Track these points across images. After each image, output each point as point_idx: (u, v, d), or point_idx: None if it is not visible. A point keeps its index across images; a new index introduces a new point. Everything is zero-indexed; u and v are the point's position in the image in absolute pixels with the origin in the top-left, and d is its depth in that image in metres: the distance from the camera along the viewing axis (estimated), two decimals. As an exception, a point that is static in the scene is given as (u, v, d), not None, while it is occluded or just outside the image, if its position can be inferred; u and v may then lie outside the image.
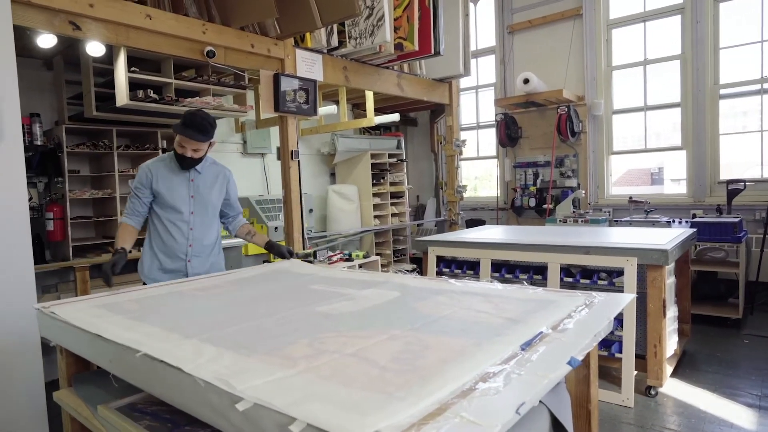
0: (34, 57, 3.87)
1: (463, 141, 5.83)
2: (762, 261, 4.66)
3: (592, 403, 1.60)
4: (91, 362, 1.66)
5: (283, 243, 3.45)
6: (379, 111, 6.01)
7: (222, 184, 2.70)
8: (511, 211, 6.59)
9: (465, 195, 5.96)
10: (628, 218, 4.93)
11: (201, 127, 2.43)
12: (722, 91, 5.28)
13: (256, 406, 0.95)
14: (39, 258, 3.53)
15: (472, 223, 6.31)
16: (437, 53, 4.43)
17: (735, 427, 2.63)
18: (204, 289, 2.14)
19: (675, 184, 5.99)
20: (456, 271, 3.70)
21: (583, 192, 5.71)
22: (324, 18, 3.38)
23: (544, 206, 6.05)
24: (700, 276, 4.77)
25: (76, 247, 3.84)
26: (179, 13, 3.15)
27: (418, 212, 7.52)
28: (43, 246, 3.85)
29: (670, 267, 3.14)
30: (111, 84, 3.55)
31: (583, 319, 1.45)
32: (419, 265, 6.13)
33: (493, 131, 6.74)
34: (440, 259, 3.78)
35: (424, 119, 7.54)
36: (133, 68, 3.40)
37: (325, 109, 5.25)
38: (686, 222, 4.55)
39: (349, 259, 4.09)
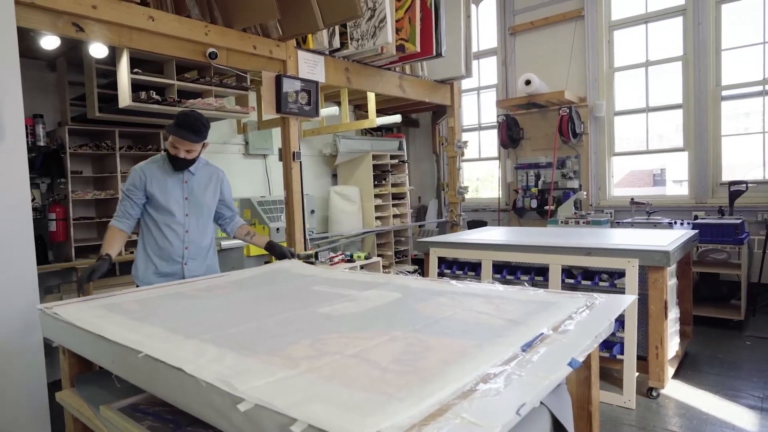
0: (38, 58, 3.88)
1: (465, 142, 5.83)
2: (764, 262, 4.65)
3: (593, 404, 1.60)
4: (94, 363, 1.67)
5: (284, 244, 3.45)
6: (380, 112, 6.02)
7: (216, 185, 2.67)
8: (512, 213, 6.59)
9: (466, 196, 5.97)
10: (629, 220, 4.92)
11: (194, 127, 2.39)
12: (724, 93, 5.28)
13: (258, 406, 0.95)
14: (42, 259, 3.54)
15: (473, 225, 6.31)
16: (439, 55, 4.43)
17: (737, 428, 2.63)
18: (205, 289, 2.14)
19: (677, 185, 5.98)
20: (457, 272, 3.70)
21: (585, 193, 5.71)
22: (326, 19, 3.39)
23: (546, 207, 6.05)
24: (702, 277, 4.77)
25: (79, 248, 3.85)
26: (182, 14, 3.16)
27: (420, 213, 7.52)
28: (46, 247, 3.86)
29: (672, 268, 3.13)
30: (114, 85, 3.56)
31: (584, 320, 1.45)
32: (421, 267, 6.13)
33: (494, 132, 6.74)
34: (442, 261, 3.78)
35: (426, 120, 7.55)
36: (135, 70, 3.41)
37: (327, 111, 5.26)
38: (688, 223, 4.54)
39: (351, 260, 4.10)
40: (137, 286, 2.48)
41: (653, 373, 2.97)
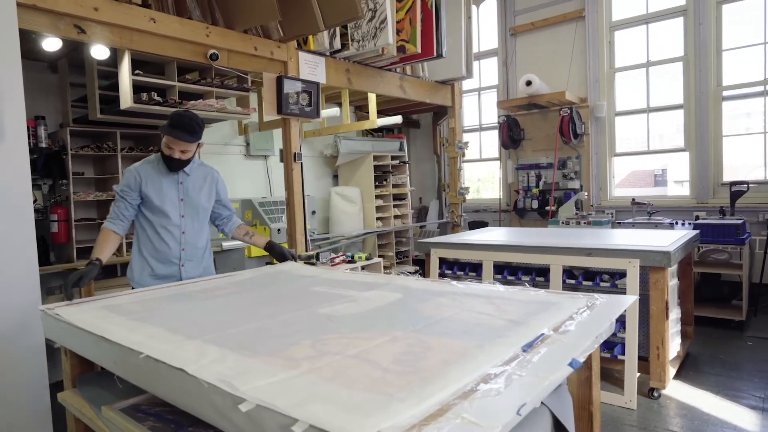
0: (39, 60, 3.89)
1: (466, 143, 5.83)
2: (765, 263, 4.65)
3: (594, 404, 1.60)
4: (96, 363, 1.67)
5: (285, 245, 3.45)
6: (381, 113, 6.02)
7: (211, 185, 2.63)
8: (513, 213, 6.59)
9: (467, 197, 5.97)
10: (630, 220, 4.92)
11: (189, 127, 2.36)
12: (725, 93, 5.27)
13: (259, 407, 0.95)
14: (43, 260, 3.55)
15: (474, 225, 6.31)
16: (440, 55, 4.44)
17: (738, 429, 2.63)
18: (207, 290, 2.15)
19: (678, 185, 5.98)
20: (458, 272, 3.71)
21: (586, 194, 5.71)
22: (327, 21, 3.39)
23: (547, 208, 6.04)
24: (704, 278, 4.76)
25: (81, 249, 3.86)
26: (183, 16, 3.17)
27: (421, 214, 7.52)
28: (48, 248, 3.87)
29: (673, 269, 3.13)
30: (115, 87, 3.57)
31: (585, 320, 1.45)
32: (422, 267, 6.13)
33: (495, 133, 6.74)
34: (443, 261, 3.79)
35: (427, 121, 7.55)
36: (137, 71, 3.42)
37: (328, 112, 5.26)
38: (689, 224, 4.54)
39: (352, 261, 4.11)
40: (132, 288, 2.46)
41: (654, 373, 2.96)
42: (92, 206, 4.26)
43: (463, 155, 5.92)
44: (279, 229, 4.70)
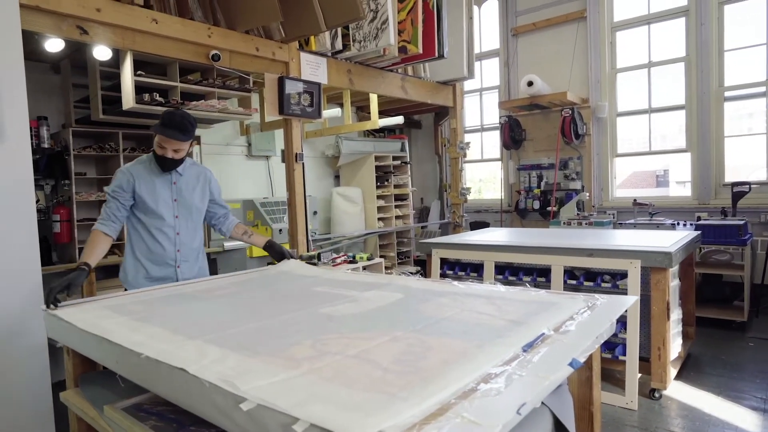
0: (42, 61, 3.90)
1: (467, 143, 5.83)
2: (767, 264, 4.64)
3: (595, 405, 1.60)
4: (98, 363, 1.68)
5: (287, 245, 3.45)
6: (383, 114, 6.02)
7: (204, 185, 2.59)
8: (515, 214, 6.58)
9: (469, 197, 5.97)
10: (632, 221, 4.92)
11: (181, 126, 2.32)
12: (727, 94, 5.27)
13: (260, 406, 0.96)
14: (46, 260, 3.56)
15: (476, 226, 6.31)
16: (441, 56, 4.44)
17: (739, 430, 2.62)
18: (208, 291, 2.15)
19: (680, 186, 5.97)
20: (460, 273, 3.71)
21: (587, 194, 5.70)
22: (328, 21, 3.40)
23: (548, 209, 6.04)
24: (705, 279, 4.76)
25: (83, 249, 3.87)
26: (185, 17, 3.18)
27: (422, 214, 7.53)
28: (50, 248, 3.88)
29: (675, 269, 3.13)
30: (117, 87, 3.58)
31: (585, 321, 1.46)
32: (423, 268, 6.13)
33: (497, 134, 6.74)
34: (444, 262, 3.79)
35: (428, 122, 7.55)
36: (139, 72, 3.43)
37: (330, 112, 5.27)
38: (691, 224, 4.53)
39: (353, 261, 4.10)
40: (125, 290, 2.41)
41: (655, 374, 2.96)
42: (94, 206, 4.27)
43: (465, 156, 5.92)
44: (281, 230, 4.71)
